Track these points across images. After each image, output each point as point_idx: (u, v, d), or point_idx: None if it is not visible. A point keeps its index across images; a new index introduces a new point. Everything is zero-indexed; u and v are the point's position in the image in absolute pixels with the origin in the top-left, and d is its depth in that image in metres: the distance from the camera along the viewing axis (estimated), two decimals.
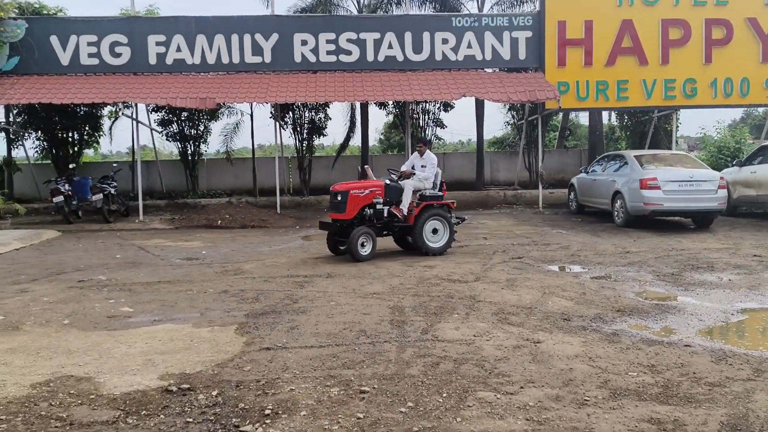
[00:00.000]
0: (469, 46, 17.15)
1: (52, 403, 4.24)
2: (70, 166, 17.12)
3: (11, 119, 18.32)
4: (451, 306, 6.88)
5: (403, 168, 10.69)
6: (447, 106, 20.25)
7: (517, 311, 6.63)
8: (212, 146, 21.19)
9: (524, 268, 9.00)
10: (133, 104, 16.27)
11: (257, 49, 16.52)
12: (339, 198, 9.75)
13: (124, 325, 6.24)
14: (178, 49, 16.29)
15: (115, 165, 17.62)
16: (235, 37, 16.39)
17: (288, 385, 4.54)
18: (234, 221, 15.23)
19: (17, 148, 19.31)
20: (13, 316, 6.46)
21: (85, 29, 16.07)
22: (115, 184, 16.11)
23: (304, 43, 16.67)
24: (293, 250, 11.10)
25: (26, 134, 18.82)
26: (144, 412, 4.11)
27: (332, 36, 16.73)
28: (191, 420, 3.97)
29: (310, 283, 8.12)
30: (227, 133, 19.79)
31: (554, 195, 19.02)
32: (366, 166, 11.58)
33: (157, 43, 16.26)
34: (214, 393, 4.42)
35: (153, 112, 18.89)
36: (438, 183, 10.65)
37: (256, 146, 20.75)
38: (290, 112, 19.19)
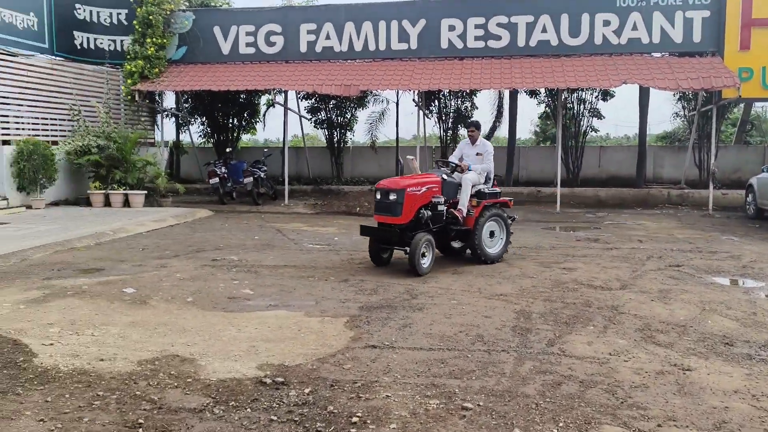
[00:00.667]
0: (634, 28, 15.56)
1: (150, 384, 4.20)
2: (227, 150, 18.15)
3: (180, 106, 19.85)
4: (586, 316, 6.07)
5: (452, 158, 9.06)
6: (606, 95, 18.66)
7: (667, 329, 5.67)
8: (358, 134, 21.45)
9: (682, 279, 7.83)
10: (283, 91, 16.80)
11: (404, 36, 16.28)
12: (392, 197, 7.78)
13: (241, 307, 6.22)
14: (327, 37, 16.53)
15: (266, 150, 18.40)
16: (382, 24, 16.29)
17: (385, 391, 4.14)
18: (371, 209, 15.17)
19: (184, 132, 20.93)
20: (145, 290, 6.72)
21: (244, 20, 16.86)
22: (265, 168, 16.78)
23: (451, 28, 16.14)
24: None
25: (192, 119, 20.30)
26: (233, 403, 3.93)
27: (481, 20, 16.02)
28: (275, 418, 3.71)
29: (434, 279, 7.67)
30: (372, 122, 19.90)
31: (728, 197, 16.80)
32: (410, 157, 9.53)
33: (308, 32, 16.62)
34: (307, 390, 4.13)
35: (303, 100, 19.47)
36: (492, 177, 9.00)
37: (400, 135, 20.64)
38: (435, 101, 18.81)
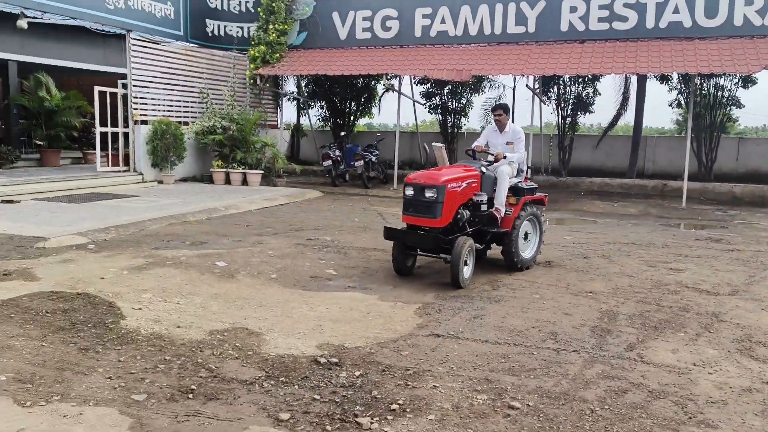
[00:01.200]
0: None
1: (213, 353, 4.43)
2: (341, 133, 18.58)
3: (301, 90, 20.59)
4: (680, 322, 5.58)
5: (476, 145, 7.71)
6: (747, 82, 16.89)
7: None
8: (472, 120, 21.05)
9: None
10: (397, 76, 16.86)
11: (521, 18, 15.69)
12: (428, 195, 6.47)
13: (320, 287, 6.38)
14: (442, 21, 16.32)
15: (378, 135, 18.61)
16: (499, 7, 15.80)
17: (434, 381, 4.07)
18: None
19: (304, 115, 21.69)
20: (235, 265, 7.07)
21: (361, 5, 17.07)
22: (377, 152, 17.00)
23: (572, 9, 15.32)
24: None
25: (312, 103, 20.98)
26: (283, 378, 4.04)
27: (606, 1, 15.05)
28: (318, 398, 3.77)
29: (522, 271, 7.39)
30: (487, 108, 19.43)
31: None
32: (438, 145, 8.47)
33: (424, 16, 16.50)
34: (357, 373, 4.16)
35: (419, 85, 19.44)
36: (525, 169, 7.77)
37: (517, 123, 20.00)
38: (554, 87, 18.01)
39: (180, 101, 16.21)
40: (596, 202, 14.76)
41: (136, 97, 14.87)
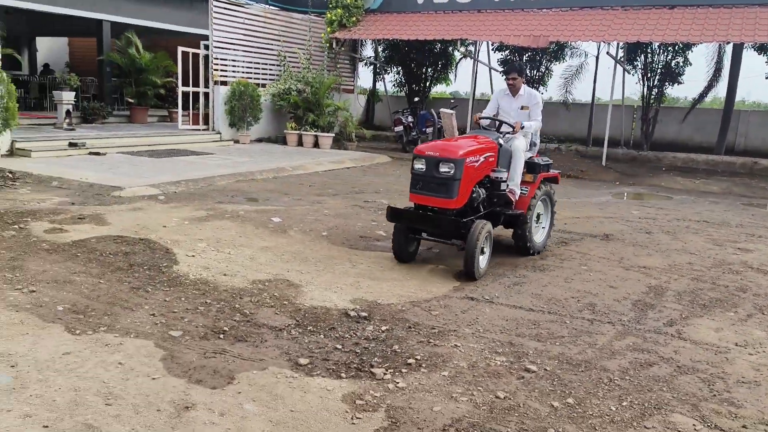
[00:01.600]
0: None
1: (251, 300, 4.67)
2: (415, 99, 18.50)
3: (377, 55, 20.60)
4: (733, 302, 5.34)
5: (486, 113, 6.70)
6: None
7: None
8: (551, 90, 20.37)
9: None
10: (473, 42, 16.55)
11: None
12: (443, 170, 5.53)
13: (367, 246, 6.52)
14: None
15: (452, 101, 18.40)
16: None
17: (457, 341, 4.13)
18: None
19: (380, 80, 21.72)
20: (289, 221, 7.32)
21: None
22: None
23: None
24: (587, 206, 10.06)
25: (388, 68, 20.96)
26: (311, 327, 4.22)
27: None
28: (340, 347, 3.92)
29: (577, 242, 7.25)
30: (568, 77, 18.76)
31: None
32: (447, 111, 7.58)
33: None
34: (383, 328, 4.28)
35: (496, 51, 18.97)
36: (537, 141, 6.84)
37: (597, 95, 19.19)
38: (642, 55, 17.10)
39: (258, 63, 16.62)
40: (677, 178, 14.06)
41: (216, 59, 15.38)
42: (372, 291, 5.08)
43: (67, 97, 13.98)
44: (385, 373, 3.58)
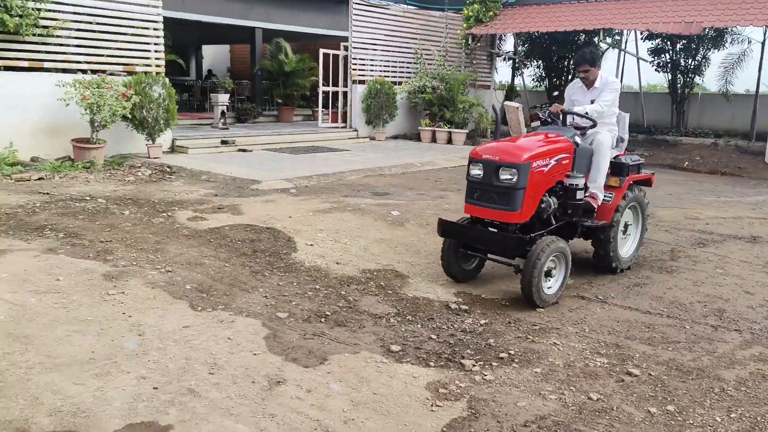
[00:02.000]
0: None
1: (357, 288, 4.85)
2: (554, 93, 17.89)
3: (516, 49, 20.18)
4: None
5: (575, 108, 5.41)
6: None
7: None
8: (708, 80, 18.63)
9: None
10: (619, 31, 15.65)
11: None
12: (504, 178, 4.61)
13: None
14: None
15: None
16: None
17: (557, 339, 4.00)
18: (703, 164, 13.41)
19: (519, 75, 21.26)
20: (407, 215, 7.45)
21: None
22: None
23: None
24: (738, 206, 9.14)
25: (528, 63, 20.44)
26: (409, 317, 4.31)
27: None
28: (435, 338, 3.96)
29: (717, 243, 6.65)
30: (728, 65, 17.06)
31: None
32: (513, 104, 6.43)
33: None
34: (482, 322, 4.26)
35: (645, 41, 17.76)
36: (626, 137, 5.75)
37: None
38: None
39: (396, 62, 16.99)
40: None
41: (355, 59, 15.96)
42: (478, 286, 5.05)
43: (222, 99, 15.24)
44: (474, 365, 3.57)
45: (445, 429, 2.91)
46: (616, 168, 5.37)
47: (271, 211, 7.29)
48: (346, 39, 16.33)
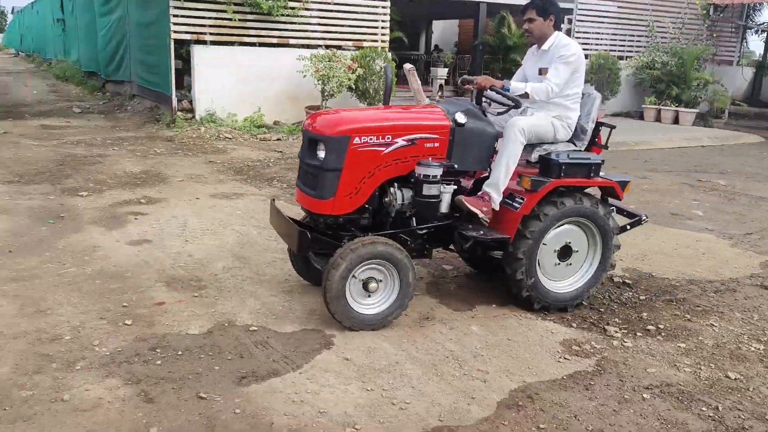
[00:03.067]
0: None
1: None
2: None
3: None
4: None
5: (513, 82, 3.96)
6: None
7: None
8: None
9: None
10: None
11: None
12: (318, 155, 3.61)
13: (674, 223, 6.23)
14: None
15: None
16: None
17: (717, 321, 3.92)
18: None
19: None
20: None
21: None
22: None
23: None
24: None
25: None
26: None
27: None
28: (586, 304, 4.11)
29: None
30: None
31: None
32: (408, 67, 5.25)
33: None
34: (642, 297, 4.30)
35: None
36: (589, 127, 4.10)
37: None
38: None
39: (624, 35, 16.13)
40: None
41: (578, 32, 15.52)
42: (650, 263, 4.99)
43: (441, 73, 15.97)
44: (617, 332, 3.69)
45: (565, 377, 3.16)
46: (543, 166, 3.87)
47: None
48: (571, 11, 15.92)
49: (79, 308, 3.66)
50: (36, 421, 2.59)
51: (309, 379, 3.00)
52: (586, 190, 3.98)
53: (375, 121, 3.70)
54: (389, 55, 12.02)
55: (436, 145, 3.71)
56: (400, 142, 3.62)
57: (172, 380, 2.94)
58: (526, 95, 3.86)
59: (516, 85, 3.86)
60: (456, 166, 3.75)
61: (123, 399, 2.77)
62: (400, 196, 3.73)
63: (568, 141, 4.06)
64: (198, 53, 10.85)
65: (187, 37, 10.80)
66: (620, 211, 4.40)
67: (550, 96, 3.86)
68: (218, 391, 2.87)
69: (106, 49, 15.03)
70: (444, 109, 3.85)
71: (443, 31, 27.56)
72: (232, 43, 11.12)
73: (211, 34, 10.95)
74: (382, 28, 12.61)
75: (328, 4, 11.79)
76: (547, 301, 3.91)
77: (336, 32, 11.97)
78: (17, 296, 3.78)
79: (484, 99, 4.03)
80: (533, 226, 3.72)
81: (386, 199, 3.74)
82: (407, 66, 4.06)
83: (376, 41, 12.51)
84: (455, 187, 3.85)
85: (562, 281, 4.01)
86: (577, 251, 3.98)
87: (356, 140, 3.50)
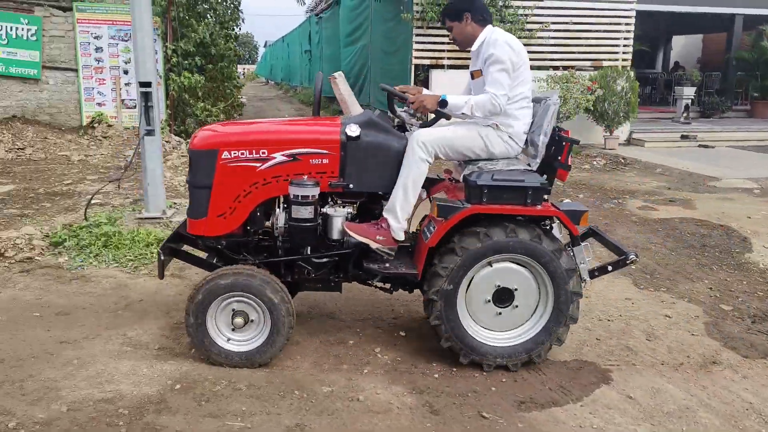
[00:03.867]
0: None
1: None
2: None
3: None
4: None
5: (453, 96, 3.22)
6: None
7: None
8: None
9: None
10: None
11: None
12: (194, 174, 3.26)
13: None
14: None
15: None
16: None
17: None
18: None
19: None
20: None
21: None
22: None
23: None
24: None
25: None
26: None
27: None
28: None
29: None
30: None
31: None
32: (335, 74, 3.45)
33: None
34: None
35: None
36: (540, 141, 3.17)
37: None
38: None
39: None
40: None
41: None
42: None
43: (687, 92, 14.68)
44: None
45: None
46: (469, 191, 3.16)
47: (728, 210, 6.99)
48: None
49: (355, 315, 3.96)
50: (338, 416, 2.83)
51: (592, 414, 2.89)
52: (543, 220, 3.23)
53: (248, 134, 3.30)
54: (631, 74, 11.37)
55: (325, 161, 3.24)
56: (279, 157, 3.21)
57: (453, 395, 3.02)
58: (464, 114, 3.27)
59: (455, 101, 3.26)
60: (351, 186, 3.27)
61: (410, 407, 2.91)
62: (283, 219, 3.32)
63: (514, 158, 3.40)
64: (435, 76, 11.36)
65: (426, 62, 11.34)
66: (606, 244, 3.62)
67: (498, 110, 3.22)
68: (499, 412, 2.88)
69: (349, 75, 16.41)
70: (348, 122, 3.29)
71: (684, 47, 25.40)
72: (467, 67, 11.38)
73: (448, 58, 11.38)
74: (624, 45, 12.00)
75: (567, 24, 11.54)
76: (477, 354, 3.22)
77: (573, 52, 11.67)
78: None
79: (403, 108, 3.57)
80: (448, 262, 3.10)
81: (267, 222, 3.36)
82: (335, 73, 3.54)
83: (616, 60, 11.93)
84: (350, 210, 3.34)
85: (504, 332, 3.27)
86: (521, 297, 3.21)
87: (225, 154, 3.18)
